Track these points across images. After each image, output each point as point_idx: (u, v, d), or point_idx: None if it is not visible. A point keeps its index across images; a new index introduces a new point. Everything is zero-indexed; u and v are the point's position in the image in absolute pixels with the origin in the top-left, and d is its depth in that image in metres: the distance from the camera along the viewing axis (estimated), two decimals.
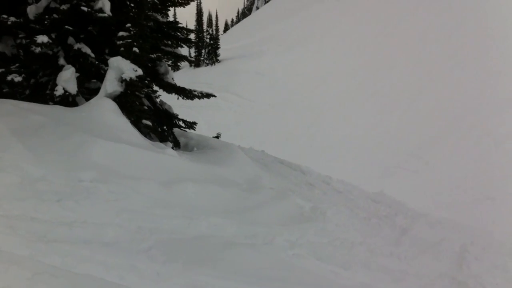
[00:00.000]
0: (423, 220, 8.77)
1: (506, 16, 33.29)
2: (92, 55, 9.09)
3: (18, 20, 8.66)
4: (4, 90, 8.81)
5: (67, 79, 8.51)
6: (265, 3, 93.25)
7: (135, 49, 8.62)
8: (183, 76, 44.63)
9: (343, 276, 5.40)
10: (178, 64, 14.54)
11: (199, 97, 11.03)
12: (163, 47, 10.99)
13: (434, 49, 34.23)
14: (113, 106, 8.23)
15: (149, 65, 10.39)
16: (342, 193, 10.53)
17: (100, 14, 8.74)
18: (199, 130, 13.20)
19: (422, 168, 22.96)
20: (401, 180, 21.94)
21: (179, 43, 11.19)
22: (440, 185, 20.97)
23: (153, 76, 10.67)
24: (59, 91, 8.42)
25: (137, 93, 8.79)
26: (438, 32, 36.15)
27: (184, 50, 13.81)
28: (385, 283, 5.52)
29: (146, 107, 9.67)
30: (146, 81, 9.58)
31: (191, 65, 54.48)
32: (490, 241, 8.36)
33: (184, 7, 11.12)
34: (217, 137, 13.19)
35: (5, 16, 8.55)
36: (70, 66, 8.76)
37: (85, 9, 8.63)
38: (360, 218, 8.28)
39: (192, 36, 14.37)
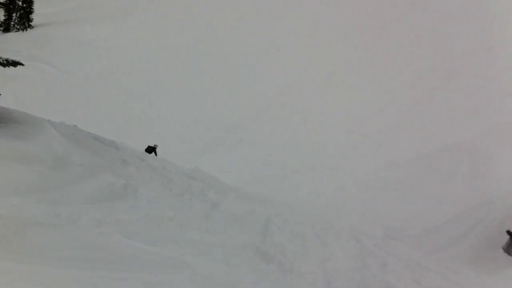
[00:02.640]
0: (233, 194, 9.15)
1: None
2: None
3: None
4: None
5: None
6: None
7: None
8: None
9: (150, 252, 5.37)
10: None
11: (3, 65, 9.85)
12: None
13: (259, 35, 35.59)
14: None
15: None
16: (157, 169, 10.43)
17: None
18: (4, 102, 11.88)
19: (237, 144, 23.93)
20: (218, 156, 22.56)
21: None
22: (252, 161, 22.12)
23: None
24: None
25: None
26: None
27: None
28: (192, 256, 5.63)
29: None
30: None
31: None
32: (292, 212, 9.10)
33: None
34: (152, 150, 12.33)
35: None
36: None
37: None
38: (173, 194, 8.32)
39: None
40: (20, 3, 51.59)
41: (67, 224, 5.39)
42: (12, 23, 51.67)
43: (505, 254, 10.79)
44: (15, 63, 9.97)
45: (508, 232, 10.48)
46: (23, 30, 49.64)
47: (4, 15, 52.56)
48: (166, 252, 5.51)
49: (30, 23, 49.81)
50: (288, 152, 23.42)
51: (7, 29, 50.43)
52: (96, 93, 30.50)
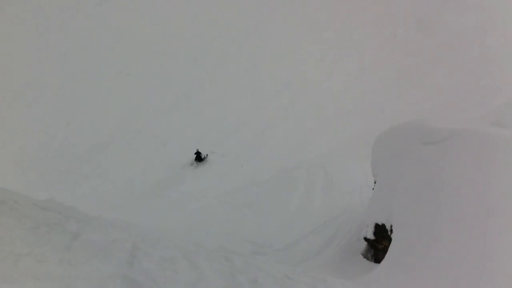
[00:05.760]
0: (94, 223, 8.61)
1: None
2: None
3: None
4: None
5: None
6: None
7: None
8: None
9: None
10: None
11: None
12: None
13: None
14: None
15: None
16: (7, 203, 9.46)
17: None
18: None
19: (93, 171, 22.89)
20: (73, 186, 21.39)
21: None
22: (111, 187, 21.30)
23: None
24: None
25: None
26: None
27: None
28: None
29: None
30: None
31: None
32: (159, 236, 8.81)
33: None
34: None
35: None
36: None
37: None
38: (27, 227, 7.59)
39: None
40: None
41: None
42: None
43: (364, 259, 11.57)
44: None
45: (365, 238, 11.23)
46: None
47: None
48: None
49: None
50: (150, 176, 22.98)
51: None
52: None
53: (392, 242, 9.40)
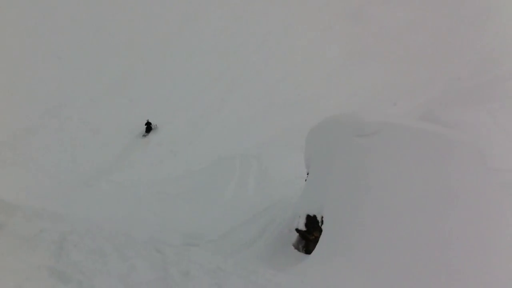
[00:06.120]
0: (19, 213, 8.26)
1: None
2: None
3: None
4: None
5: None
6: None
7: None
8: None
9: None
10: None
11: None
12: None
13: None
14: None
15: None
16: None
17: None
18: None
19: (20, 158, 21.89)
20: None
21: None
22: (40, 175, 20.49)
23: None
24: None
25: None
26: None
27: None
28: None
29: None
30: None
31: None
32: (89, 228, 8.57)
33: None
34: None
35: None
36: None
37: None
38: None
39: None
40: None
41: None
42: None
43: (296, 250, 11.78)
44: None
45: (297, 229, 11.44)
46: None
47: None
48: None
49: None
50: (80, 164, 22.28)
51: None
52: None
53: (323, 233, 9.64)
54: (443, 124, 13.61)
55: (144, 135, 25.67)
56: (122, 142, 24.48)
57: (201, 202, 17.81)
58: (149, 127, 25.82)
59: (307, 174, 12.32)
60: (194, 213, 16.76)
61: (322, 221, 10.02)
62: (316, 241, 10.02)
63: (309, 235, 11.06)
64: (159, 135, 25.59)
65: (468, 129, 15.33)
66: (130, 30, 34.17)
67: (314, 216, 10.59)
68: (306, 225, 11.02)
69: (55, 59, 30.54)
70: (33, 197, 16.45)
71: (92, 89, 28.69)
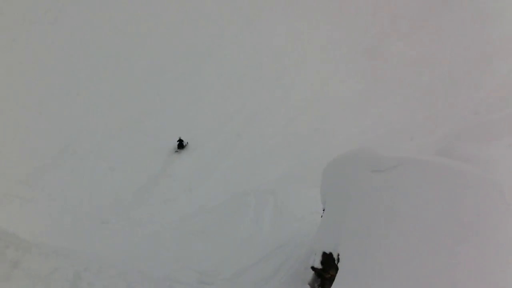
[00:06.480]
0: (36, 250, 8.27)
1: None
2: None
3: None
4: None
5: None
6: None
7: None
8: None
9: None
10: None
11: None
12: None
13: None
14: None
15: None
16: None
17: None
18: None
19: (37, 195, 22.04)
20: (13, 210, 20.53)
21: None
22: (56, 212, 20.58)
23: None
24: None
25: None
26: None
27: None
28: None
29: None
30: None
31: None
32: (102, 265, 8.54)
33: None
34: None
35: None
36: None
37: None
38: None
39: None
40: None
41: None
42: None
43: None
44: None
45: (312, 267, 11.24)
46: None
47: None
48: None
49: None
50: (97, 201, 22.35)
51: None
52: None
53: (339, 271, 9.44)
54: (461, 159, 13.43)
55: (176, 151, 26.95)
56: (139, 178, 24.53)
57: (215, 240, 17.67)
58: (181, 143, 26.98)
59: (323, 210, 12.20)
60: (208, 251, 16.63)
61: (338, 259, 9.84)
62: (332, 279, 9.80)
63: (325, 273, 10.85)
64: (174, 171, 25.64)
65: (487, 164, 15.08)
66: (147, 66, 34.72)
67: (330, 254, 10.39)
68: (322, 262, 10.82)
69: (74, 95, 31.06)
70: (49, 234, 16.49)
71: (109, 124, 28.99)
